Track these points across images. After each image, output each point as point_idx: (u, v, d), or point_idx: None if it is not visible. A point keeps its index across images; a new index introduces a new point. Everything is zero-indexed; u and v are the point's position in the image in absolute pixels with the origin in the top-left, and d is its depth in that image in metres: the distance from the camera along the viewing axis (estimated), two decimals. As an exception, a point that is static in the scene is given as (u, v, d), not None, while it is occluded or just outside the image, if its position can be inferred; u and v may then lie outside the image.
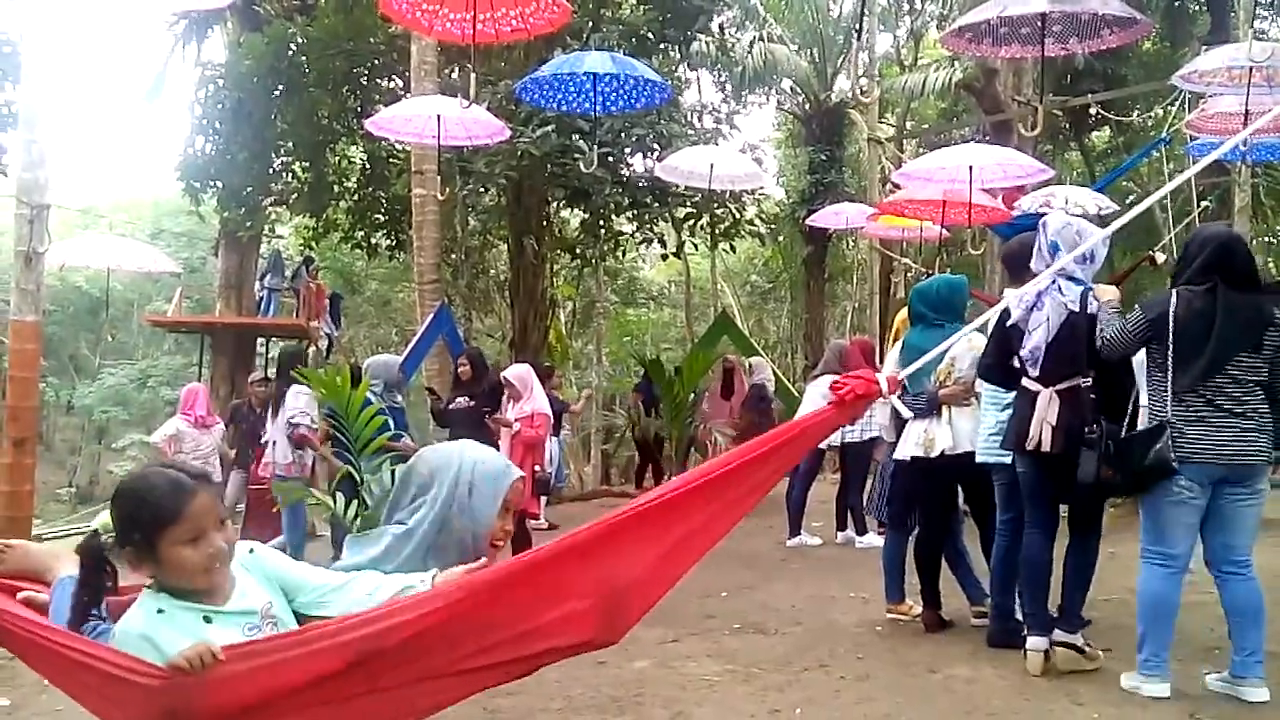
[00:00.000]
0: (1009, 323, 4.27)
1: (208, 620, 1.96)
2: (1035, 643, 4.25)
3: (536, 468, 7.68)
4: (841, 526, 8.09)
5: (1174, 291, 3.92)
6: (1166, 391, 3.86)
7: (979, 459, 4.72)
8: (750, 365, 11.30)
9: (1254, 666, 3.78)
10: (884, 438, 6.33)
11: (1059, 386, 4.12)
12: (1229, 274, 3.83)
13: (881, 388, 2.36)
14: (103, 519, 2.11)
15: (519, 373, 8.13)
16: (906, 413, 4.88)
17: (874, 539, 7.71)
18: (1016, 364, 4.27)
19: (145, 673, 1.87)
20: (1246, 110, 6.94)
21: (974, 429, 4.83)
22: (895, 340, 6.08)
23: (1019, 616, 4.70)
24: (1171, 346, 3.84)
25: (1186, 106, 10.22)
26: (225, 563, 2.02)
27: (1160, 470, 3.81)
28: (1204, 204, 11.97)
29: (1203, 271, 3.87)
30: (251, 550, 2.14)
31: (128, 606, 2.03)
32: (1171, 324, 3.84)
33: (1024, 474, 4.34)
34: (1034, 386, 4.18)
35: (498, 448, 7.61)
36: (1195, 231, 4.09)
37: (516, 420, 8.01)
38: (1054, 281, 4.13)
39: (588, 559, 2.13)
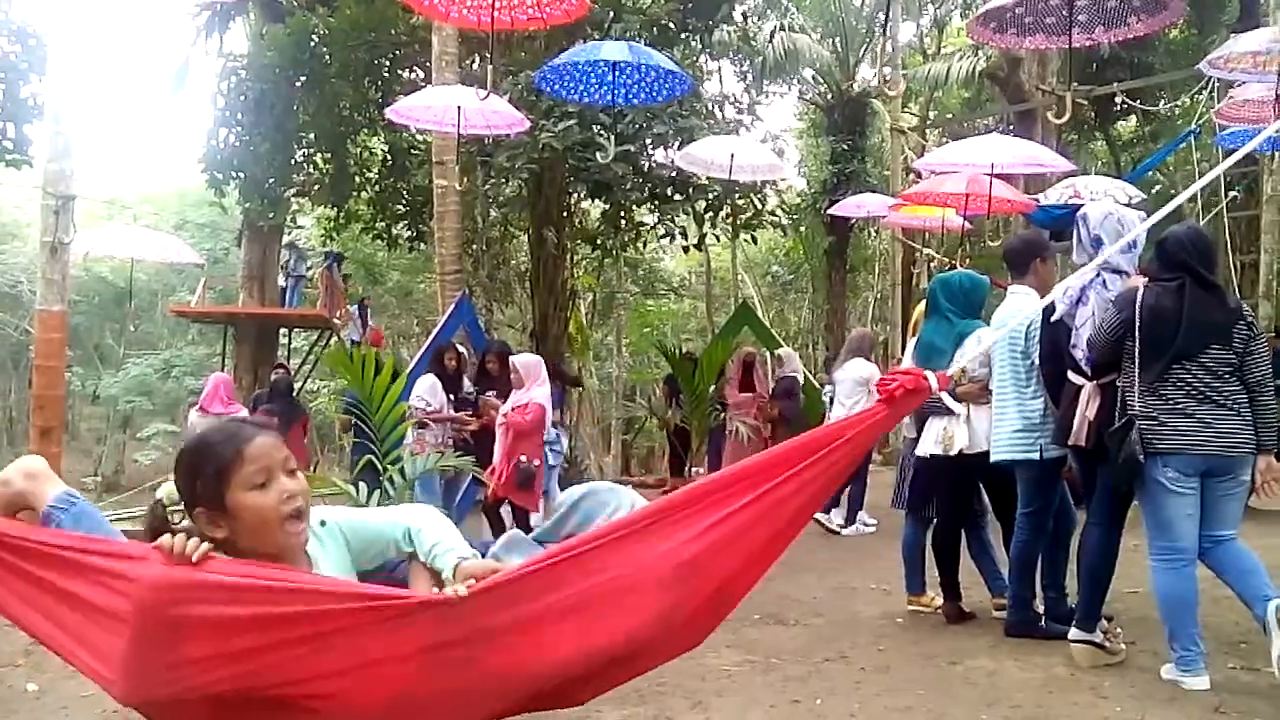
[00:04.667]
0: (1054, 318, 4.24)
1: None
2: (1082, 636, 4.20)
3: (522, 458, 7.24)
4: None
5: (1144, 287, 3.91)
6: (1140, 385, 3.84)
7: (1001, 456, 4.66)
8: (781, 357, 11.21)
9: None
10: (905, 433, 6.31)
11: (1101, 381, 4.09)
12: (1198, 272, 3.84)
13: (931, 384, 2.30)
14: (167, 489, 1.96)
15: (525, 362, 7.89)
16: (958, 407, 4.82)
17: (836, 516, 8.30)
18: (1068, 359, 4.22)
19: (138, 555, 1.77)
20: (1278, 95, 6.84)
21: (990, 427, 4.79)
22: (914, 333, 6.05)
23: (1037, 608, 4.69)
24: (1138, 341, 3.84)
25: (1215, 95, 10.07)
26: (305, 514, 1.90)
27: (1131, 465, 3.80)
28: (1232, 193, 11.81)
29: (1173, 268, 3.87)
30: (323, 522, 2.01)
31: None
32: (1139, 318, 3.84)
33: (1079, 471, 4.35)
34: (1079, 380, 4.15)
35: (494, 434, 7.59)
36: (1168, 230, 4.04)
37: (512, 406, 7.72)
38: (1098, 275, 4.09)
39: (654, 544, 2.00)
